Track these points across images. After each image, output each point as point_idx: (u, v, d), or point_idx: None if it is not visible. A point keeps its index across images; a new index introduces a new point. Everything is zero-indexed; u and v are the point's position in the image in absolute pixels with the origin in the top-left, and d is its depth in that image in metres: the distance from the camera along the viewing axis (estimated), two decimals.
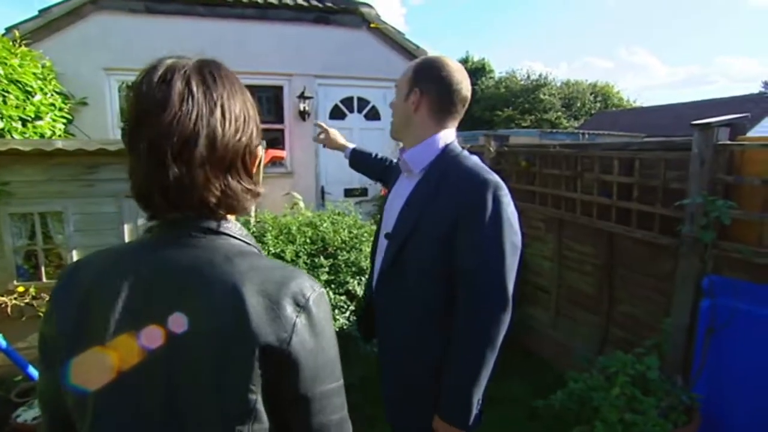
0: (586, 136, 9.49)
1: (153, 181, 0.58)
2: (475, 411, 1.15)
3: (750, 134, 2.53)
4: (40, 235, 2.78)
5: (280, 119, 5.37)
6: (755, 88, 28.77)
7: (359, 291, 2.85)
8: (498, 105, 22.28)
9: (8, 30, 4.08)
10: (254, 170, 0.68)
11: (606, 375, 1.96)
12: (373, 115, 5.70)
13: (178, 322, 0.55)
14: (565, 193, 3.00)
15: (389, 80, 5.03)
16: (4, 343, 2.07)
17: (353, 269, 2.95)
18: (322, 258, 2.90)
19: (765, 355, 1.88)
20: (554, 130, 12.39)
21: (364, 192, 5.68)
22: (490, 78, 24.97)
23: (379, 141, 5.33)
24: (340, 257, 2.97)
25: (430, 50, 5.78)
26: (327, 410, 0.61)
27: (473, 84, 2.33)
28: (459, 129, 1.34)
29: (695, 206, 2.03)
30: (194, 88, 0.58)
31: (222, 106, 0.60)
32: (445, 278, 1.17)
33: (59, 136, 3.77)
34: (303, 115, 5.27)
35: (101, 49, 4.53)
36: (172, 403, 0.55)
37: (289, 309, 0.57)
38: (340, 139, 1.88)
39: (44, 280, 2.80)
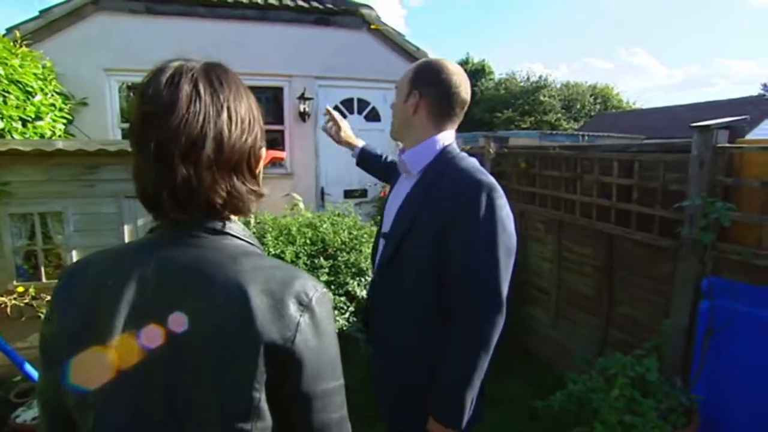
0: (586, 137, 9.47)
1: (160, 182, 0.58)
2: (468, 412, 1.15)
3: (749, 136, 2.54)
4: (40, 236, 2.78)
5: (280, 120, 5.38)
6: (754, 90, 28.81)
7: (359, 292, 2.86)
8: (498, 106, 22.27)
9: (9, 30, 4.08)
10: (257, 171, 0.69)
11: (605, 376, 1.96)
12: (374, 116, 5.71)
13: (179, 322, 0.55)
14: (564, 195, 3.01)
15: (389, 81, 5.04)
16: None
17: (353, 270, 2.95)
18: (322, 259, 2.91)
19: (764, 357, 1.88)
20: (554, 132, 12.38)
21: (363, 193, 5.68)
22: (490, 79, 24.97)
23: (379, 142, 5.32)
24: (339, 258, 2.98)
25: (431, 52, 5.79)
26: (328, 408, 0.62)
27: (473, 86, 2.34)
28: (459, 130, 1.34)
29: (694, 208, 2.03)
30: (202, 91, 0.59)
31: (228, 109, 0.61)
32: (442, 278, 1.17)
33: (59, 136, 3.78)
34: (303, 116, 5.28)
35: (102, 50, 4.54)
36: (172, 402, 0.56)
37: (293, 308, 0.58)
38: (352, 136, 1.80)
39: (44, 280, 2.80)
